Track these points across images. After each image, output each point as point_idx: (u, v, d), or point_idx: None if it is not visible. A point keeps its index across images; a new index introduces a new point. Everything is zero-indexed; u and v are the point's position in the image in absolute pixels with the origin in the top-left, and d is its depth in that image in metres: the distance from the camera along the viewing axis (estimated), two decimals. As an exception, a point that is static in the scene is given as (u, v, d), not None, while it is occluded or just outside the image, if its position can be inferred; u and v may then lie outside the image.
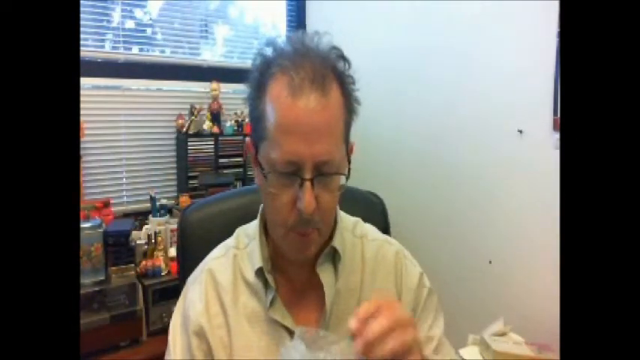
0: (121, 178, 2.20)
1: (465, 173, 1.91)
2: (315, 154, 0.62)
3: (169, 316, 1.81)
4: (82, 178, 2.02)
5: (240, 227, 0.83)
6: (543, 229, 1.62)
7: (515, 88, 1.70)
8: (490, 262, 1.82)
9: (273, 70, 0.65)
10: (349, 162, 0.70)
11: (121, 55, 2.17)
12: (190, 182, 2.24)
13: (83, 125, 1.98)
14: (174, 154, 2.31)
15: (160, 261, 1.87)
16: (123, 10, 2.18)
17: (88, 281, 1.67)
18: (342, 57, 0.68)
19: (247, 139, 0.73)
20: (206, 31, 2.45)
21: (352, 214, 0.86)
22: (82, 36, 2.04)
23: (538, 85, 1.61)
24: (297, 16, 2.71)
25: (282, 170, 0.64)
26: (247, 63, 0.71)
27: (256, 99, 0.67)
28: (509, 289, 1.75)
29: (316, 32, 0.68)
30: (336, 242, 0.75)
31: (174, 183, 2.33)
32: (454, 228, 1.96)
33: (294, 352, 0.54)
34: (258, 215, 0.79)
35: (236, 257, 0.78)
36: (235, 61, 2.53)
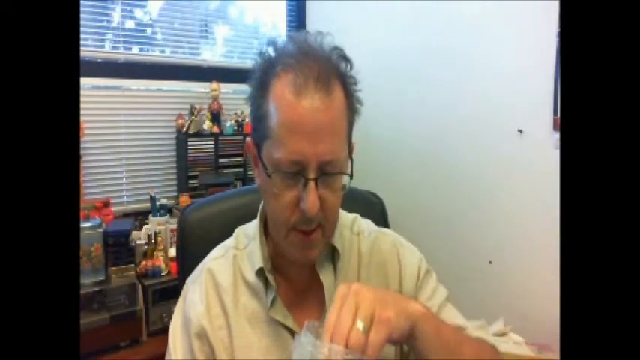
0: (121, 178, 2.19)
1: (465, 173, 1.91)
2: (319, 153, 0.62)
3: (169, 316, 1.80)
4: (82, 178, 2.02)
5: (240, 227, 0.83)
6: (543, 229, 1.62)
7: (515, 88, 1.70)
8: (490, 262, 1.82)
9: (276, 69, 0.65)
10: (352, 162, 0.70)
11: (121, 55, 2.17)
12: (190, 182, 2.24)
13: (83, 125, 1.98)
14: (174, 154, 2.31)
15: (159, 261, 1.87)
16: (123, 10, 2.18)
17: (88, 281, 1.67)
18: (345, 57, 0.68)
19: (248, 139, 0.73)
20: (206, 31, 2.45)
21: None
22: (82, 36, 2.04)
23: (538, 85, 1.61)
24: (297, 16, 2.71)
25: (286, 170, 0.63)
26: (247, 63, 0.71)
27: (259, 98, 0.67)
28: (509, 289, 1.75)
29: (319, 32, 0.68)
30: (336, 241, 0.75)
31: (174, 183, 2.33)
32: (454, 228, 1.96)
33: (305, 342, 0.54)
34: (258, 215, 0.78)
35: (236, 257, 0.78)
36: (235, 61, 2.53)
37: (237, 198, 1.04)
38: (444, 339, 0.61)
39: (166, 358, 0.77)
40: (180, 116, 2.25)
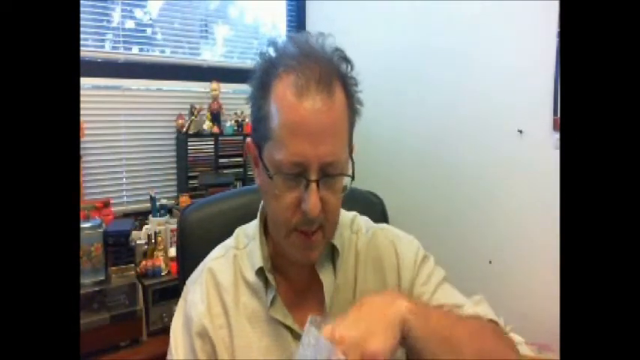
0: (121, 178, 2.19)
1: (465, 173, 1.91)
2: (320, 155, 0.62)
3: (169, 316, 1.80)
4: (82, 178, 2.02)
5: (240, 227, 0.83)
6: (543, 229, 1.62)
7: (515, 88, 1.71)
8: (490, 262, 1.82)
9: (278, 70, 0.65)
10: (353, 163, 0.70)
11: (121, 55, 2.17)
12: (190, 182, 2.24)
13: (83, 125, 1.98)
14: (174, 154, 2.31)
15: (159, 261, 1.87)
16: (123, 10, 2.18)
17: (88, 281, 1.66)
18: (345, 59, 0.68)
19: (248, 139, 0.73)
20: (206, 31, 2.44)
21: (352, 214, 0.86)
22: (82, 36, 2.04)
23: (538, 85, 1.61)
24: (297, 16, 2.71)
25: (287, 171, 0.63)
26: (247, 63, 0.71)
27: (260, 99, 0.67)
28: (509, 289, 1.75)
29: (321, 33, 0.68)
30: (336, 240, 0.75)
31: (174, 183, 2.32)
32: (454, 228, 1.96)
33: (310, 336, 0.55)
34: (258, 215, 0.78)
35: (236, 257, 0.78)
36: (235, 61, 2.53)
37: (237, 198, 1.04)
38: (433, 326, 0.59)
39: (168, 358, 0.77)
40: (180, 116, 2.25)
